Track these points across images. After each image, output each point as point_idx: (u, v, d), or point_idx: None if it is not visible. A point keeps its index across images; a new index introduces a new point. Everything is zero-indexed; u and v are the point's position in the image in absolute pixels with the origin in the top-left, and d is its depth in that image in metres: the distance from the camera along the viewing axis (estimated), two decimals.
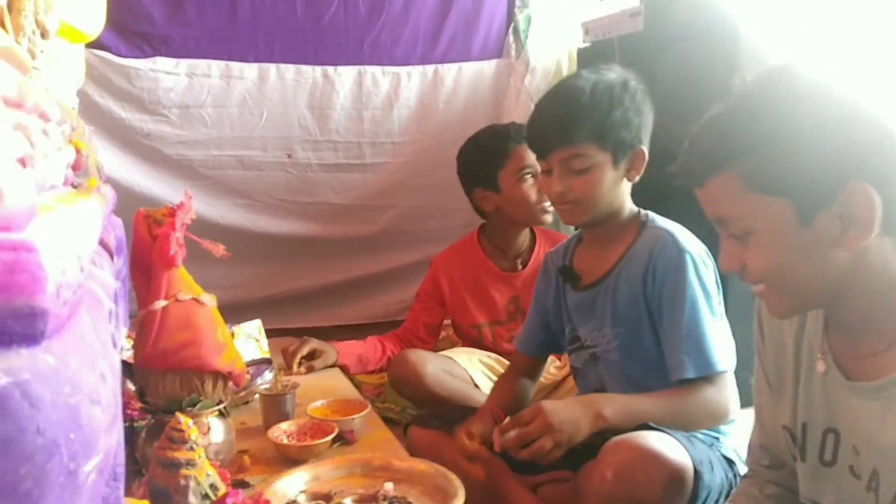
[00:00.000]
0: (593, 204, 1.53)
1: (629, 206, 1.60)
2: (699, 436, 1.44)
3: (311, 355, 2.34)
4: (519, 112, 3.22)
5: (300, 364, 2.29)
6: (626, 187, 1.57)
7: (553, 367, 2.18)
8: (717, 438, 1.49)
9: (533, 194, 2.15)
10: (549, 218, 2.22)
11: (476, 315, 2.35)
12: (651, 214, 1.60)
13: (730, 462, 1.44)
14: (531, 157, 1.97)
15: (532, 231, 2.40)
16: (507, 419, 1.50)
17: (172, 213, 1.44)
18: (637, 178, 1.56)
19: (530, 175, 2.14)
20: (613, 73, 1.53)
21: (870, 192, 0.88)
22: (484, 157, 2.20)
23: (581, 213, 1.56)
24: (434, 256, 2.54)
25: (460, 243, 2.48)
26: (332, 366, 2.34)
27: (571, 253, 1.69)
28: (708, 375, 1.44)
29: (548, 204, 2.09)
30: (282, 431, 1.75)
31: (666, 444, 1.27)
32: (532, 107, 3.24)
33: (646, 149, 1.54)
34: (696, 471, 1.28)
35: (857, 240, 0.91)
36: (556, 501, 1.57)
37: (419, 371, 2.01)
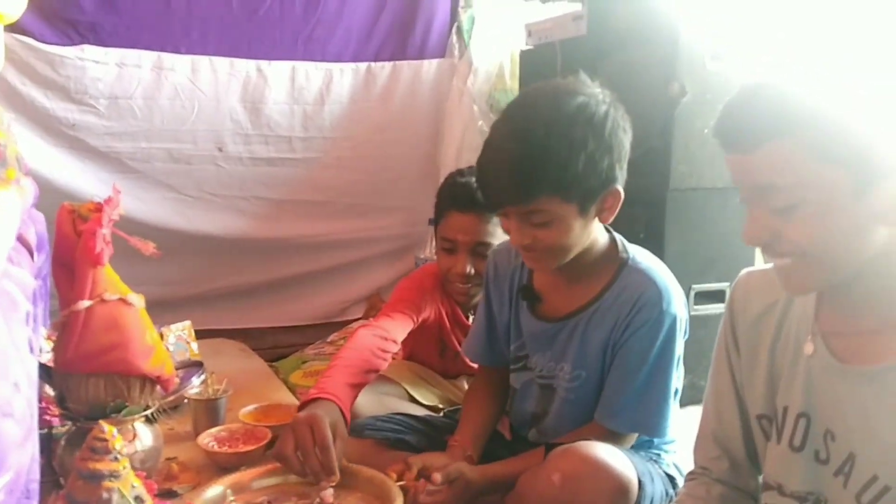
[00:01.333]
0: (564, 253, 1.36)
1: (602, 238, 1.44)
2: (641, 452, 1.43)
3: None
4: (462, 113, 3.20)
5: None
6: (598, 225, 1.40)
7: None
8: (659, 455, 1.48)
9: (445, 266, 1.88)
10: (461, 298, 1.93)
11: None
12: (631, 249, 1.44)
13: (671, 478, 1.44)
14: (454, 232, 1.82)
15: None
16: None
17: (99, 208, 1.36)
18: (611, 219, 1.38)
19: (445, 250, 1.89)
20: (575, 102, 1.29)
21: None
22: (436, 202, 1.95)
23: (550, 261, 1.38)
24: (428, 265, 2.13)
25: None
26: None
27: (530, 269, 1.53)
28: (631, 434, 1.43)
29: (462, 284, 1.85)
30: (212, 437, 1.69)
31: (613, 456, 1.26)
32: (475, 109, 3.26)
33: (621, 186, 1.34)
34: (639, 481, 1.27)
35: None
36: None
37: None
